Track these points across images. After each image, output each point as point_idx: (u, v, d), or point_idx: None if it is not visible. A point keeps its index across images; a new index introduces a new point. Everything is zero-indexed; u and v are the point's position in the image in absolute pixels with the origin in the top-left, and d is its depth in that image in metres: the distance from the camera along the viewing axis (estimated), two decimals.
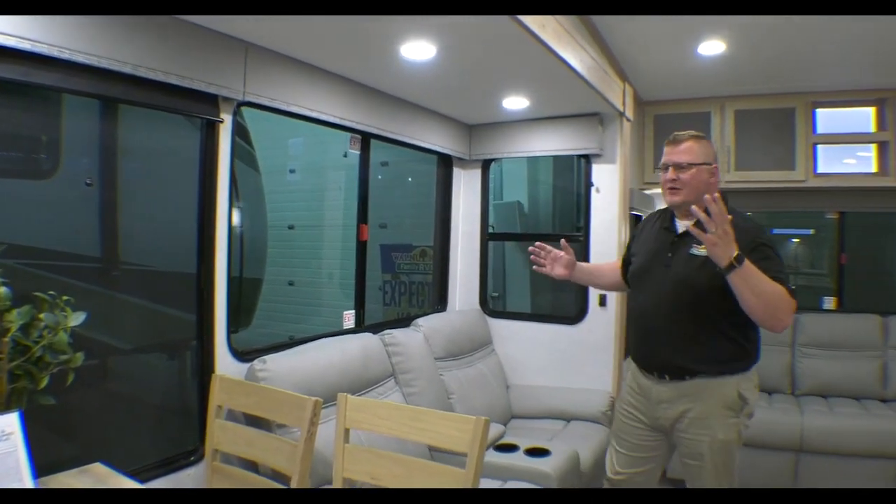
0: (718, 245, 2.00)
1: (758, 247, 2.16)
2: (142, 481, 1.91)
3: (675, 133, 2.42)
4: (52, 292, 1.75)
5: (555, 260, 2.73)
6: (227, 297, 2.56)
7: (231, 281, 2.60)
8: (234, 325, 2.65)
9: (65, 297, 1.76)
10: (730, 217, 2.02)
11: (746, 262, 2.02)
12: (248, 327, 4.42)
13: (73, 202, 2.52)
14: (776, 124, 4.30)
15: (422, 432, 1.97)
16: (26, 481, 1.58)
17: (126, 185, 2.63)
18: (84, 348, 1.79)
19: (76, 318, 1.73)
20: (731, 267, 2.01)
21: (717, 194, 2.00)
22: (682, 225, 2.41)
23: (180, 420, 2.71)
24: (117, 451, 2.13)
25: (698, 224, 2.02)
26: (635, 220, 4.67)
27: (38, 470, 1.63)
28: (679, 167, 2.33)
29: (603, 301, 3.84)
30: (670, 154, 2.38)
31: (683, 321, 2.31)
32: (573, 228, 3.98)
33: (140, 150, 2.66)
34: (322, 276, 5.48)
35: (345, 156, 3.37)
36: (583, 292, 3.92)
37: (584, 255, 3.91)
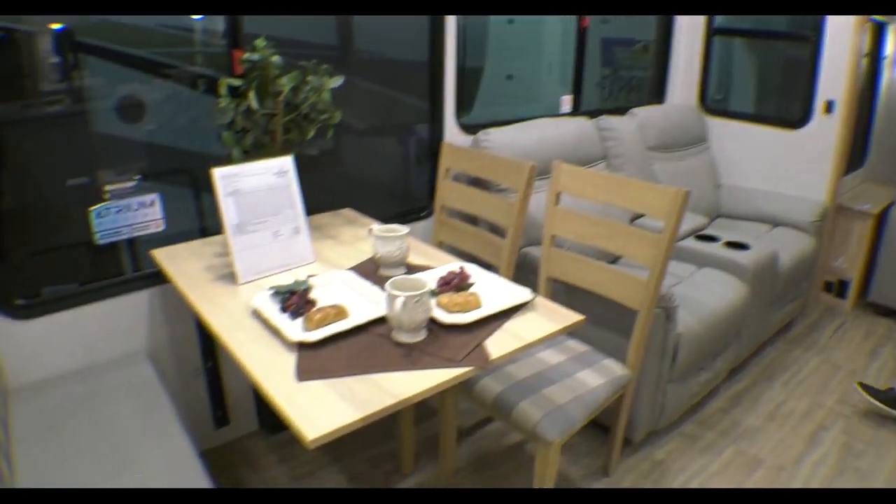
0: None
1: None
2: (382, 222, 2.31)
3: None
4: (314, 61, 2.08)
5: None
6: (455, 78, 2.82)
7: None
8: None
9: (323, 66, 2.08)
10: None
11: None
12: (468, 113, 4.70)
13: None
14: None
15: (626, 199, 2.13)
16: (299, 209, 2.00)
17: None
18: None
19: (336, 81, 2.06)
20: None
21: None
22: None
23: (411, 185, 3.15)
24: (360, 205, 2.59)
25: None
26: (875, 28, 4.10)
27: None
28: None
29: (829, 108, 3.55)
30: None
31: None
32: (806, 27, 3.62)
33: None
34: (541, 70, 5.55)
35: None
36: (808, 94, 3.64)
37: (812, 63, 3.58)
